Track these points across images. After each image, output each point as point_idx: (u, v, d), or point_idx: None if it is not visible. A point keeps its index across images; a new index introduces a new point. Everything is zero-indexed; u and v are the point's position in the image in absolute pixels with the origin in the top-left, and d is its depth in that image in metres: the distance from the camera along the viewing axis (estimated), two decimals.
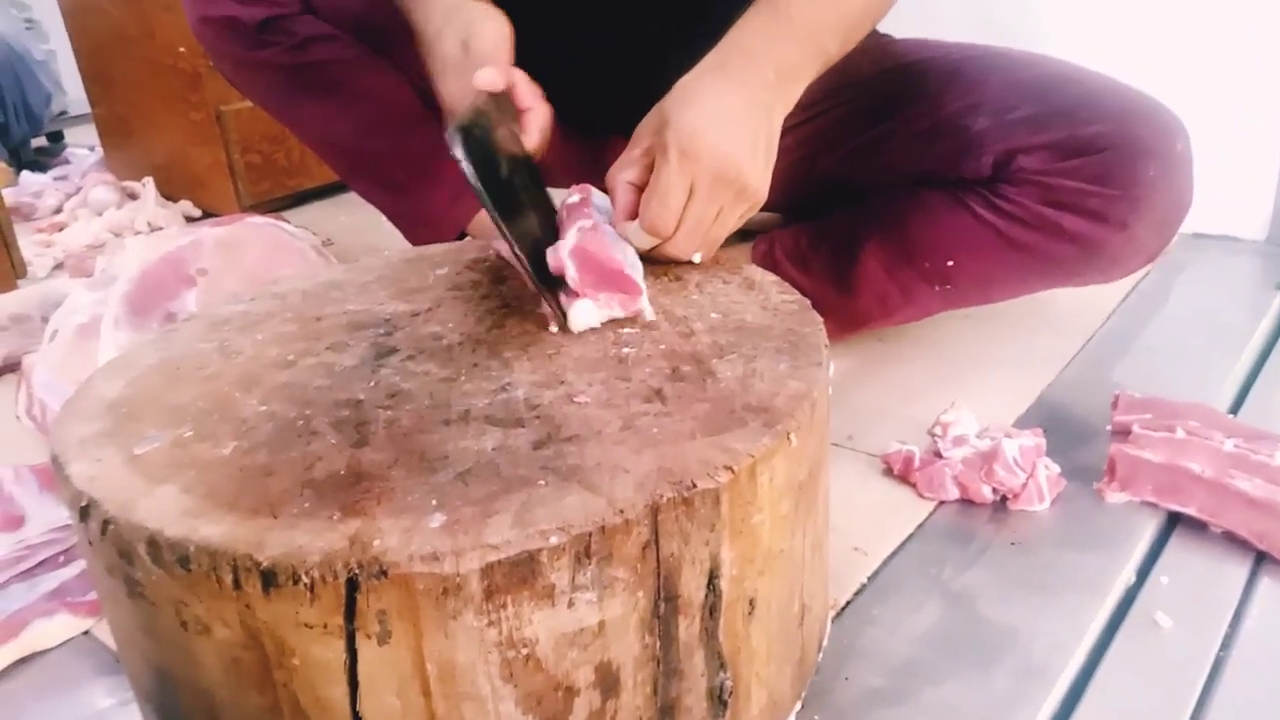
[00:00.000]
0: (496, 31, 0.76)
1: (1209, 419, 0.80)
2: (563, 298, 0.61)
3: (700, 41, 0.72)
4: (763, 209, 1.13)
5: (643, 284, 0.61)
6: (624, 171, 0.69)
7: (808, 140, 1.01)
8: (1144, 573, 0.69)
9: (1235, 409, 0.89)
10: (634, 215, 0.68)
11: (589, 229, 0.62)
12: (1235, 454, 0.74)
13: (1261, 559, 0.69)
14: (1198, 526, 0.72)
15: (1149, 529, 0.73)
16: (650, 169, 0.67)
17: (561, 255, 0.61)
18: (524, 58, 0.97)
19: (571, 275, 0.60)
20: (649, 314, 0.61)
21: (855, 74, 0.99)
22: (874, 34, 1.05)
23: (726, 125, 0.66)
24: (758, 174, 0.68)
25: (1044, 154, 0.86)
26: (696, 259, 0.70)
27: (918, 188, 0.93)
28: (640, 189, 0.68)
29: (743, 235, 1.11)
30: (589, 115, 0.98)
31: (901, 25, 1.05)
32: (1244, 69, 1.22)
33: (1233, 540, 0.70)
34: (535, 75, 1.05)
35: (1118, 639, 0.63)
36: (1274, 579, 0.67)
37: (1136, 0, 1.26)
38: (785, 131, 1.03)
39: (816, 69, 0.74)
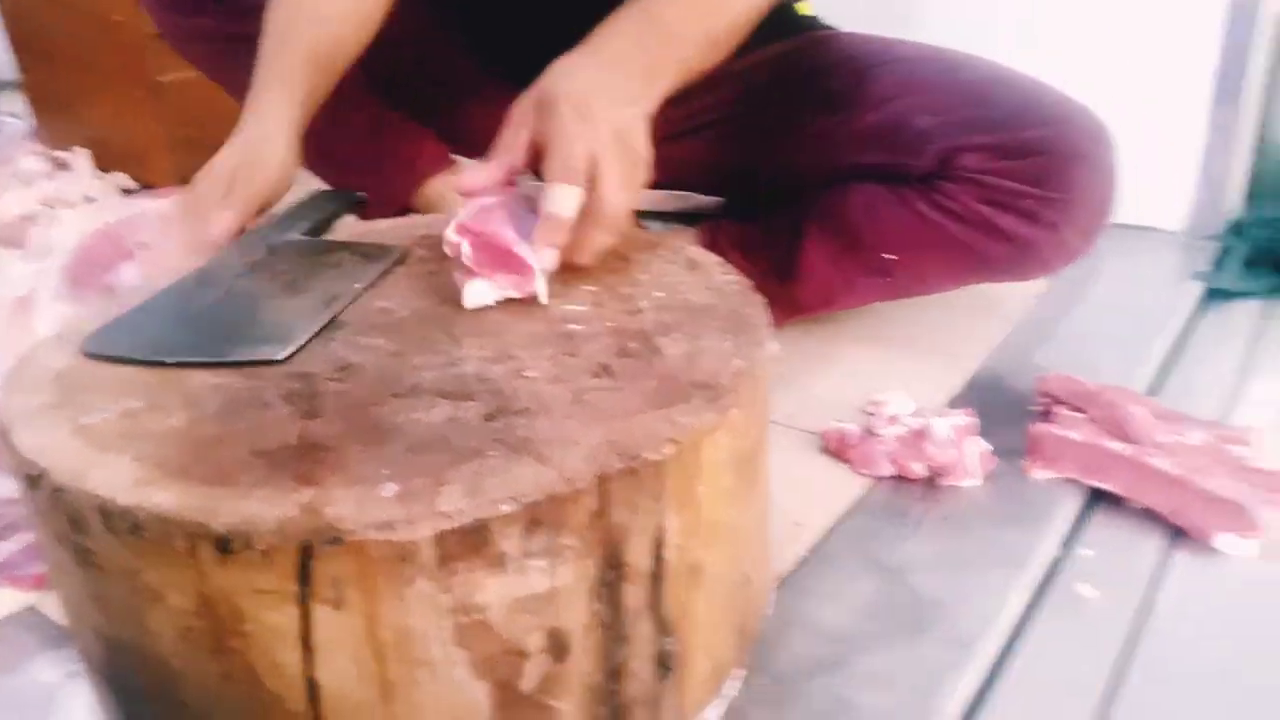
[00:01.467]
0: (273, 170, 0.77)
1: (1129, 400, 0.83)
2: (457, 276, 0.61)
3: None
4: (708, 194, 1.16)
5: (536, 265, 0.61)
6: (504, 156, 0.66)
7: (756, 130, 1.03)
8: (1067, 546, 0.72)
9: (1153, 391, 0.93)
10: (492, 182, 0.66)
11: (484, 207, 0.62)
12: (1152, 434, 0.78)
13: (1176, 533, 0.73)
14: (1118, 502, 0.76)
15: (1072, 505, 0.76)
16: (535, 149, 0.66)
17: (449, 233, 0.61)
18: (478, 17, 0.97)
19: (465, 253, 0.60)
20: (544, 296, 0.61)
21: (802, 66, 1.01)
22: (820, 27, 1.07)
23: (608, 97, 0.66)
24: (646, 149, 0.67)
25: (984, 154, 0.88)
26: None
27: (862, 182, 0.95)
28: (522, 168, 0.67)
29: (687, 219, 1.13)
30: (533, 72, 0.98)
31: (847, 20, 1.07)
32: (1166, 65, 1.26)
33: (1150, 515, 0.74)
34: (487, 35, 1.05)
35: (1042, 609, 0.66)
36: (1188, 552, 0.71)
37: (1066, 1, 1.30)
38: (733, 119, 1.05)
39: (676, 79, 0.73)
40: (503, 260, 0.60)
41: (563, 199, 0.63)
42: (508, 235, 0.61)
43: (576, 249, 0.64)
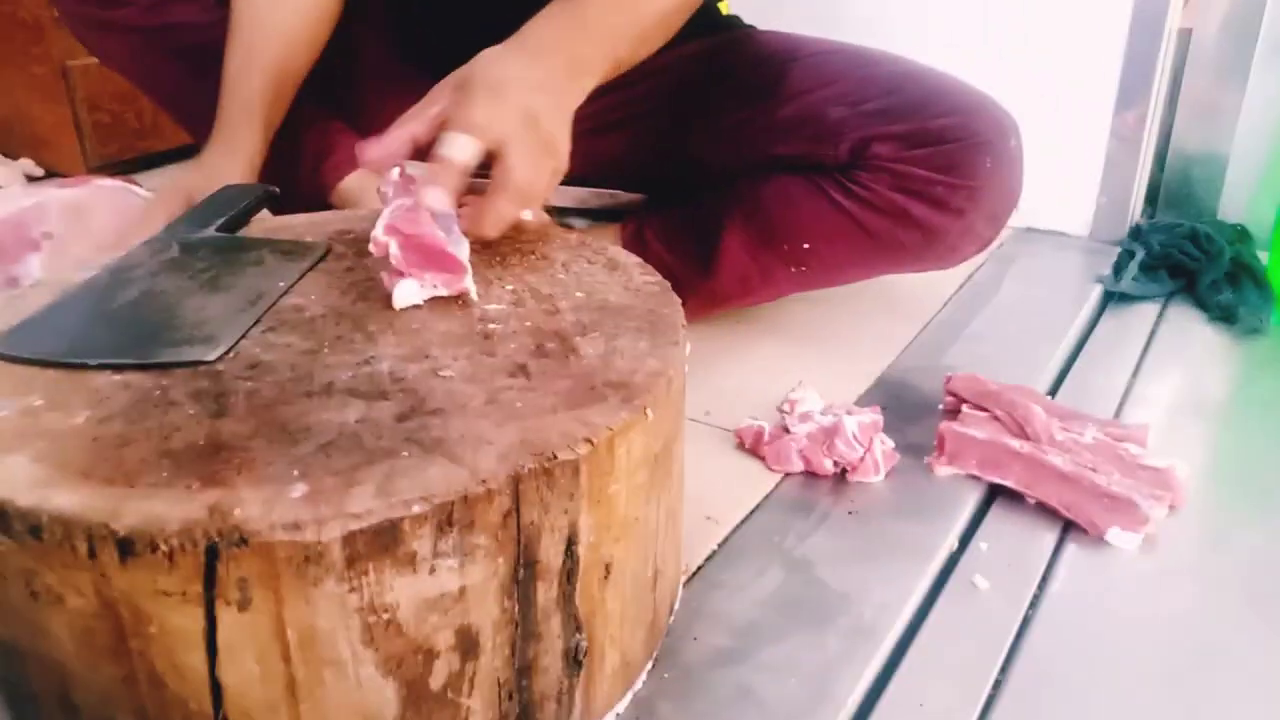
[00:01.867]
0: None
1: (1030, 400, 0.87)
2: (385, 277, 0.61)
3: None
4: (631, 189, 1.17)
5: (467, 262, 0.61)
6: (410, 122, 0.67)
7: (677, 124, 1.04)
8: (966, 539, 0.75)
9: (1053, 391, 0.97)
10: (396, 155, 0.66)
11: (408, 207, 0.62)
12: (1050, 432, 0.82)
13: (1069, 527, 0.76)
14: (1015, 497, 0.79)
15: (972, 500, 0.79)
16: (440, 127, 0.66)
17: (378, 234, 0.60)
18: (401, 11, 0.97)
19: (394, 254, 0.60)
20: (474, 292, 0.62)
21: (722, 61, 1.03)
22: (740, 26, 1.09)
23: (529, 86, 0.67)
24: (563, 138, 0.68)
25: (895, 143, 0.91)
26: (528, 216, 0.71)
27: (779, 173, 0.97)
28: (426, 147, 0.67)
29: (611, 215, 1.14)
30: (451, 65, 0.98)
31: (766, 20, 1.09)
32: (1071, 73, 1.31)
33: (1044, 510, 0.77)
34: (410, 29, 1.05)
35: (940, 600, 0.69)
36: (1079, 545, 0.74)
37: (974, 14, 1.34)
38: (655, 113, 1.06)
39: (605, 71, 0.75)
40: (433, 259, 0.60)
41: (455, 143, 0.63)
42: (436, 234, 0.61)
43: (481, 218, 0.65)
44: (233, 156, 0.87)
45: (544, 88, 0.68)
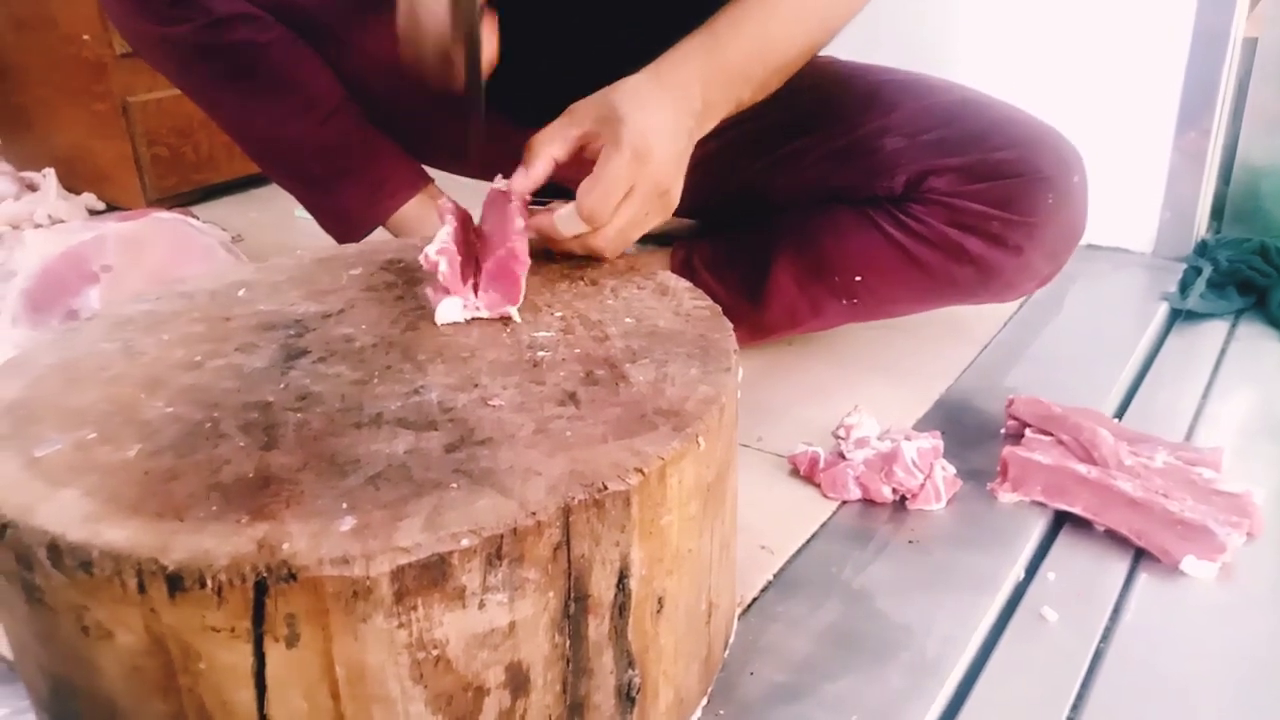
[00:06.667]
0: None
1: (1096, 422, 0.84)
2: (431, 294, 0.62)
3: (661, 46, 0.74)
4: (682, 215, 1.16)
5: (523, 286, 0.63)
6: (553, 144, 0.70)
7: (729, 149, 1.03)
8: (1032, 569, 0.72)
9: (1120, 413, 0.94)
10: (541, 184, 0.71)
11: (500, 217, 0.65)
12: (1119, 456, 0.79)
13: (1140, 555, 0.73)
14: (1083, 525, 0.76)
15: (1038, 527, 0.76)
16: (578, 150, 0.70)
17: (430, 252, 0.61)
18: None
19: (443, 271, 0.61)
20: (517, 316, 0.63)
21: (778, 90, 1.02)
22: None
23: (669, 138, 0.69)
24: (679, 191, 0.72)
25: (953, 176, 0.89)
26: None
27: (831, 204, 0.96)
28: (559, 165, 0.71)
29: (661, 240, 1.13)
30: (536, 107, 0.97)
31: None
32: (1135, 89, 1.28)
33: (1114, 538, 0.74)
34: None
35: (1007, 633, 0.66)
36: (1151, 574, 0.71)
37: (1034, 26, 1.32)
38: (708, 139, 1.05)
39: (729, 111, 0.77)
40: (496, 276, 0.61)
41: (566, 225, 0.69)
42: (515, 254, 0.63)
43: (551, 242, 0.71)
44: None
45: (679, 137, 0.71)
